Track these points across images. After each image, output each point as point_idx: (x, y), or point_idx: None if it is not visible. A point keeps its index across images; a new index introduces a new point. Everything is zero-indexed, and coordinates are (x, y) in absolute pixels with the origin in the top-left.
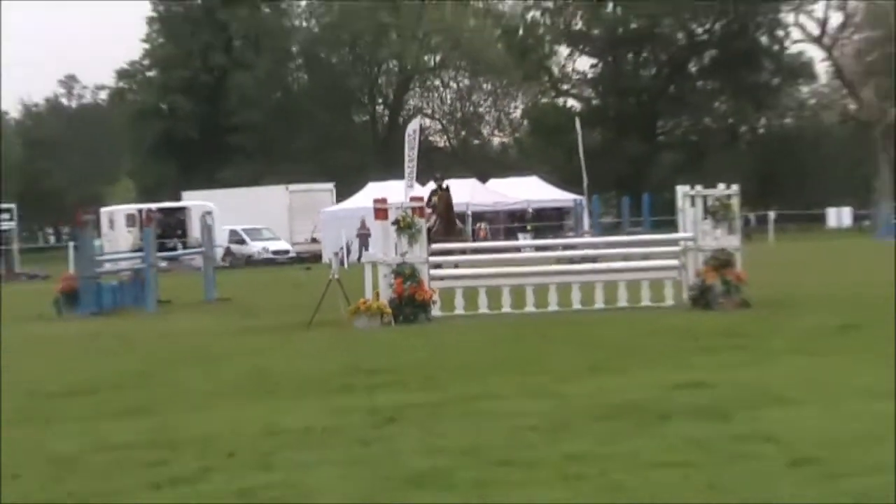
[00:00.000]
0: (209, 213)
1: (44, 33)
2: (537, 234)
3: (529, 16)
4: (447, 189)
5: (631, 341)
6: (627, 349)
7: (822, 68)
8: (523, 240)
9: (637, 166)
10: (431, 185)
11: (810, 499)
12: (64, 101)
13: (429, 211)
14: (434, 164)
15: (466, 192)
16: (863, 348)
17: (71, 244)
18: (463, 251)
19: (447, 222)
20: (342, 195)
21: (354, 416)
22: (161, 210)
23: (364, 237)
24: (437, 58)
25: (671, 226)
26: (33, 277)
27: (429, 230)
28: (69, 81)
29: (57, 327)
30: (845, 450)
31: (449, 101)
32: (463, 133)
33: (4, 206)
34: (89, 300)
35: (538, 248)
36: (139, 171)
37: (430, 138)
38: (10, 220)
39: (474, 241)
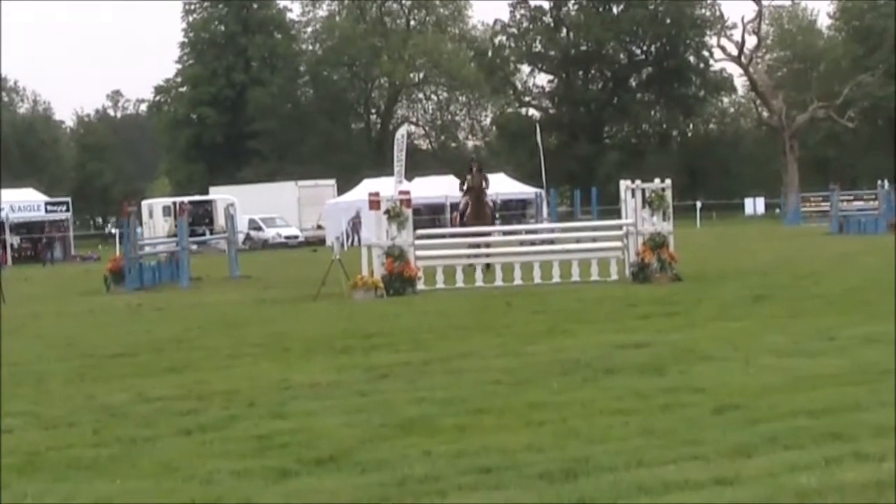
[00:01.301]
0: (232, 204)
1: (95, 55)
2: (504, 221)
3: (497, 40)
4: (480, 170)
5: (582, 309)
6: (579, 316)
7: (739, 82)
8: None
9: (587, 164)
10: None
11: (733, 440)
12: (111, 112)
13: (460, 194)
14: (418, 164)
15: (445, 187)
16: (772, 314)
17: (117, 231)
18: (443, 235)
19: (477, 205)
20: (342, 190)
21: (354, 372)
22: (192, 202)
23: (356, 224)
24: (421, 75)
25: (615, 214)
26: (87, 259)
27: (461, 214)
28: (115, 96)
29: (106, 300)
30: (761, 398)
31: (430, 111)
32: (442, 137)
33: (62, 199)
34: (133, 278)
35: (505, 233)
36: (173, 170)
37: (415, 142)
38: (67, 210)
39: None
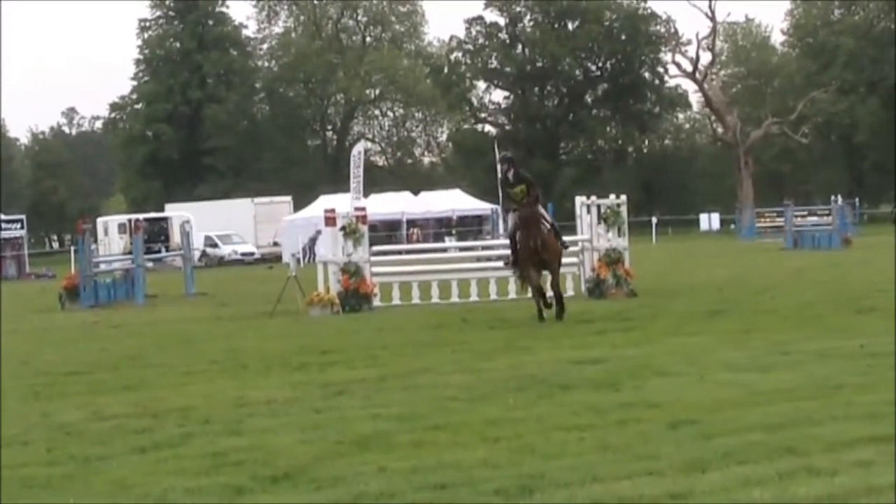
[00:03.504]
0: (187, 221)
1: (48, 72)
2: (460, 237)
3: (453, 56)
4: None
5: (537, 325)
6: (535, 331)
7: (694, 99)
8: (449, 242)
9: (543, 180)
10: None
11: (688, 455)
12: (66, 129)
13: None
14: (375, 180)
15: (401, 203)
16: (728, 329)
17: (73, 249)
18: (398, 252)
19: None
20: (298, 206)
21: (310, 388)
22: (147, 220)
23: (314, 241)
24: (377, 92)
25: (571, 230)
26: (41, 276)
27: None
28: (70, 113)
29: (61, 318)
30: (716, 413)
31: (387, 128)
32: (398, 154)
33: (16, 216)
34: (88, 295)
35: (461, 249)
36: (129, 187)
37: (371, 158)
38: (21, 228)
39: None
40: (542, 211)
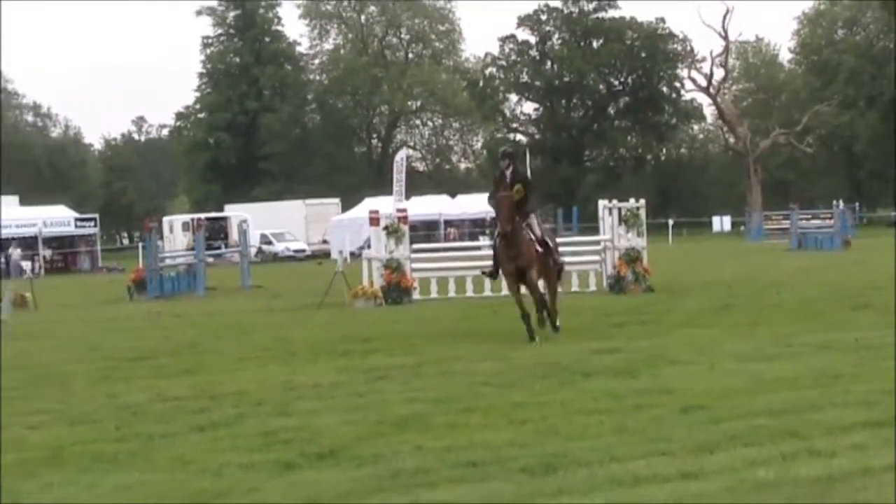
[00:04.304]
0: (245, 221)
1: (119, 83)
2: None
3: (487, 71)
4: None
5: (562, 317)
6: (560, 323)
7: (708, 111)
8: (483, 241)
9: (568, 185)
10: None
11: (698, 438)
12: (135, 136)
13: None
14: (415, 184)
15: (439, 205)
16: (736, 323)
17: (140, 245)
18: (437, 249)
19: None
20: (345, 207)
21: (353, 374)
22: (208, 219)
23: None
24: (418, 103)
25: (594, 230)
26: (112, 270)
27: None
28: (139, 121)
29: (128, 308)
30: (724, 399)
31: (426, 136)
32: (437, 160)
33: (90, 215)
34: (154, 287)
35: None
36: (192, 189)
37: (413, 164)
38: (94, 226)
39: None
40: (534, 219)
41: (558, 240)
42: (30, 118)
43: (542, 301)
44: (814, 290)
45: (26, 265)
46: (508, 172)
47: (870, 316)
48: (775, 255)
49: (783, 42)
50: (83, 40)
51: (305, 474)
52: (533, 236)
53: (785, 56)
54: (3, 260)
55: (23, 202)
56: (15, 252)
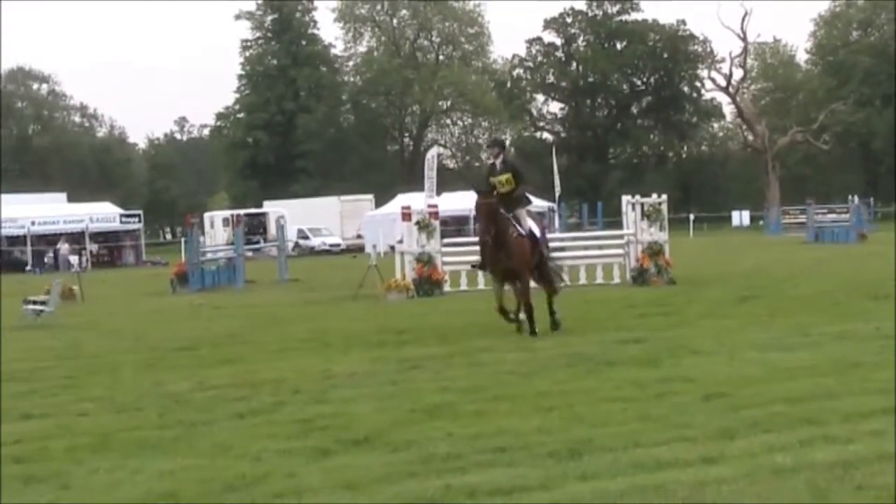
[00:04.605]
0: (282, 216)
1: (163, 86)
2: None
3: (515, 72)
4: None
5: (587, 308)
6: (583, 314)
7: (727, 110)
8: None
9: (593, 182)
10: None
11: (718, 424)
12: (177, 135)
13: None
14: (446, 181)
15: (469, 201)
16: (755, 313)
17: (182, 240)
18: (466, 244)
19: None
20: (379, 203)
21: (387, 363)
22: (247, 214)
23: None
24: (448, 103)
25: (618, 225)
26: (156, 264)
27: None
28: (181, 121)
29: (171, 300)
30: (743, 388)
31: (456, 135)
32: (467, 158)
33: (134, 211)
34: (195, 280)
35: None
36: (231, 186)
37: (443, 162)
38: (138, 221)
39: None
40: (523, 212)
41: (583, 233)
42: (77, 119)
43: (528, 308)
44: (831, 281)
45: (74, 259)
46: (497, 162)
47: (887, 306)
48: (793, 249)
49: (800, 43)
50: (128, 43)
51: (341, 460)
52: (521, 230)
53: (802, 56)
54: (51, 254)
55: (70, 199)
56: (63, 247)
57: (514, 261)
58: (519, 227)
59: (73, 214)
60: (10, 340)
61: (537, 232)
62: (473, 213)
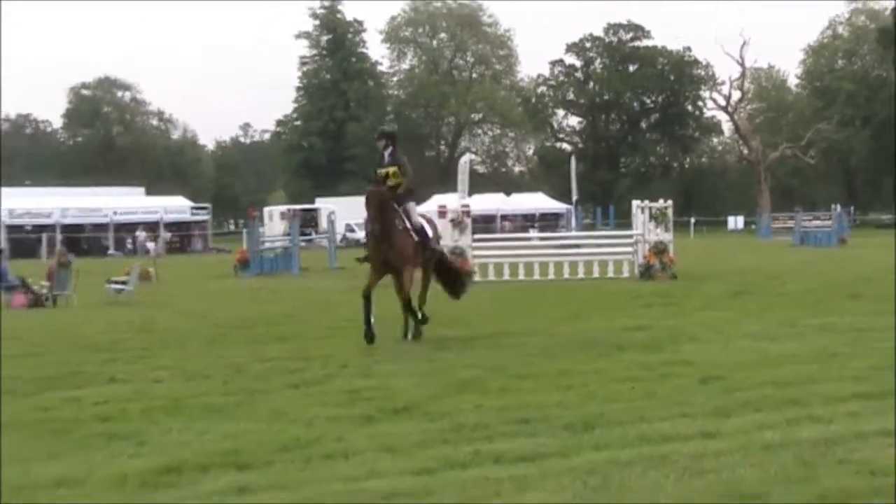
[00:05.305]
0: (333, 212)
1: (229, 94)
2: (541, 229)
3: (539, 90)
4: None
5: (599, 299)
6: (596, 304)
7: (726, 127)
8: (532, 233)
9: (606, 187)
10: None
11: (715, 404)
12: (241, 139)
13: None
14: (476, 184)
15: (496, 202)
16: (747, 307)
17: (244, 230)
18: (494, 239)
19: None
20: (417, 203)
21: (423, 343)
22: (301, 210)
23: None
24: (480, 115)
25: (627, 226)
26: (221, 251)
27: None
28: (245, 127)
29: (233, 283)
30: (737, 372)
31: (486, 143)
32: (495, 164)
33: (204, 205)
34: (255, 266)
35: (542, 239)
36: (288, 185)
37: (474, 167)
38: (207, 214)
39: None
40: (412, 209)
41: (596, 233)
42: (155, 122)
43: (407, 305)
44: (815, 280)
45: (150, 245)
46: (386, 154)
47: (862, 304)
48: (781, 251)
49: (791, 69)
50: (202, 58)
51: (383, 426)
52: (409, 224)
53: (792, 81)
54: (131, 241)
55: (148, 193)
56: (141, 234)
57: (393, 253)
58: (407, 222)
59: (150, 206)
60: (95, 315)
61: (429, 230)
62: (539, 209)
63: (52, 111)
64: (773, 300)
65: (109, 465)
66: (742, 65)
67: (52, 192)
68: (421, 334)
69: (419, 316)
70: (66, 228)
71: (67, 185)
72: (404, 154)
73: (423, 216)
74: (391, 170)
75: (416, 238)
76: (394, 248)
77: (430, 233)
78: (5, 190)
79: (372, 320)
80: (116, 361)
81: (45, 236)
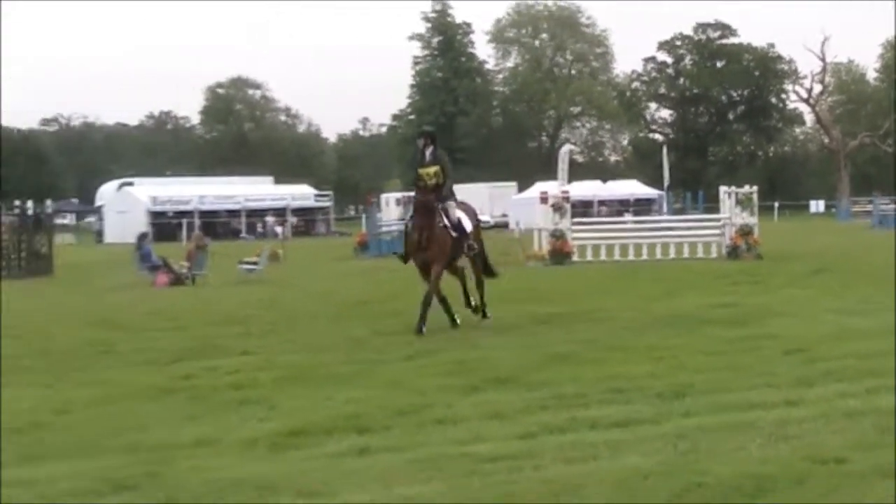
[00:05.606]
0: None
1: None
2: (636, 214)
3: (633, 85)
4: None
5: (689, 278)
6: (686, 283)
7: (808, 118)
8: (627, 217)
9: (695, 175)
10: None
11: (798, 374)
12: (361, 132)
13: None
14: (575, 172)
15: (594, 189)
16: (830, 284)
17: (363, 215)
18: (592, 223)
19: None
20: (521, 189)
21: (524, 318)
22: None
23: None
24: (578, 109)
25: (715, 210)
26: (342, 234)
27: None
28: (364, 121)
29: (353, 264)
30: (819, 344)
31: (584, 135)
32: (592, 153)
33: (326, 192)
34: (373, 248)
35: (636, 223)
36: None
37: (573, 157)
38: (329, 200)
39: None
40: (453, 205)
41: (686, 217)
42: (282, 118)
43: (429, 298)
44: (890, 259)
45: (279, 229)
46: (427, 153)
47: None
48: (860, 232)
49: (870, 63)
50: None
51: (488, 395)
52: (446, 221)
53: (871, 75)
54: (261, 225)
55: (276, 182)
56: (270, 219)
57: (430, 250)
58: (445, 219)
59: (278, 194)
60: (229, 293)
61: (468, 226)
62: (633, 195)
63: (190, 108)
64: (852, 278)
65: (242, 427)
66: (823, 60)
67: (191, 181)
68: (457, 324)
69: (484, 314)
70: (203, 214)
71: (204, 176)
72: (445, 153)
73: (462, 204)
74: (433, 169)
75: (453, 234)
76: (431, 247)
77: (468, 227)
78: (150, 180)
79: (456, 317)
80: (248, 335)
81: (184, 221)
